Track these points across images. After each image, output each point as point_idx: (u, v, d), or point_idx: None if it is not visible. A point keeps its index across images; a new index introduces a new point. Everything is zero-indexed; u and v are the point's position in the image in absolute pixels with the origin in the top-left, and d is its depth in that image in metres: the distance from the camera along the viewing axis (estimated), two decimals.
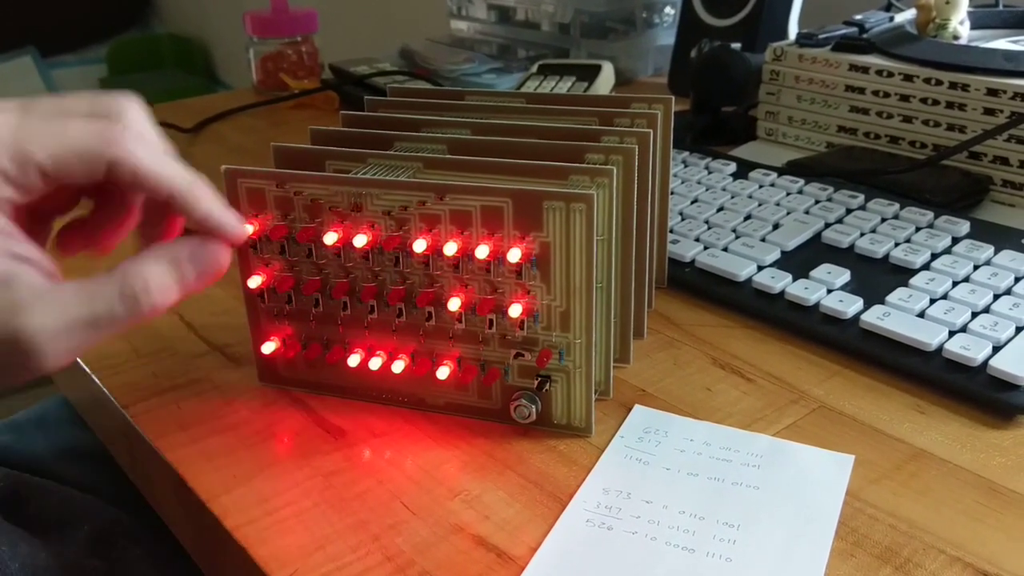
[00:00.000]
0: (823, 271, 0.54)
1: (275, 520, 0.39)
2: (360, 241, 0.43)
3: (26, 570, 0.47)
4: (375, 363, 0.46)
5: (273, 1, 1.08)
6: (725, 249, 0.58)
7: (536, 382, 0.44)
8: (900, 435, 0.44)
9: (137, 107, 0.39)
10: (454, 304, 0.43)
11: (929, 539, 0.38)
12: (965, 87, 0.65)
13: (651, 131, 0.47)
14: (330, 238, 0.43)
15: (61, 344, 0.35)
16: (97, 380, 0.51)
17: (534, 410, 0.44)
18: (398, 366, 0.45)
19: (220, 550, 0.41)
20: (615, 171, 0.43)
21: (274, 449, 0.44)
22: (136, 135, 0.37)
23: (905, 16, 0.77)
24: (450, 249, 0.42)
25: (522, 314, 0.42)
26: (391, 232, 0.43)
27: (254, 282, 0.46)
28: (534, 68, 0.93)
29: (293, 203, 0.44)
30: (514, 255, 0.41)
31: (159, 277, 0.38)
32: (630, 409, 0.46)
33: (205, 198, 0.39)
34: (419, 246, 0.42)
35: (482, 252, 0.42)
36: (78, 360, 0.53)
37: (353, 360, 0.46)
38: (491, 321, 0.43)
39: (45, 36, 2.69)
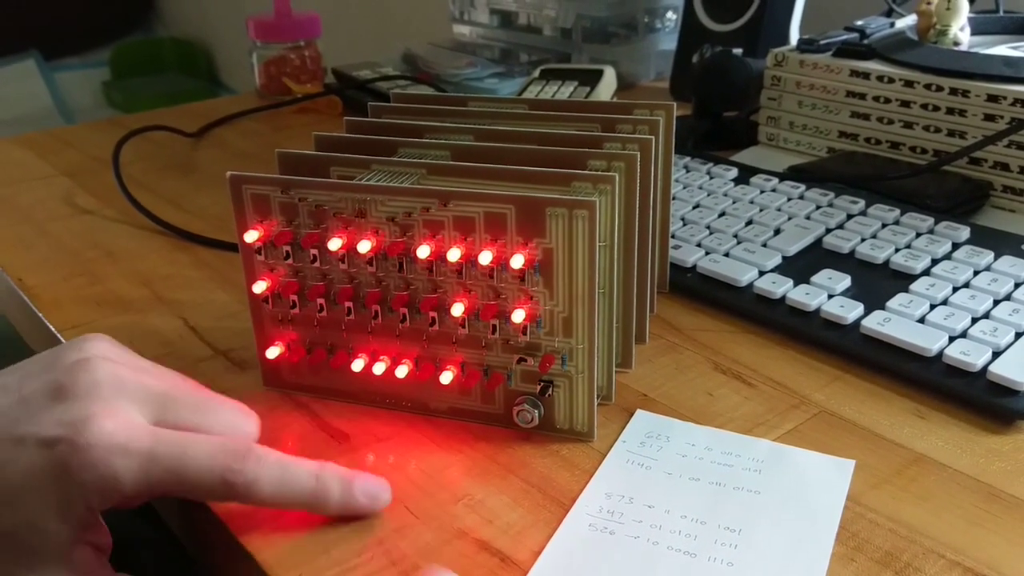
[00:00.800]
0: (824, 276, 0.54)
1: (280, 524, 0.40)
2: (364, 247, 0.43)
3: None
4: (379, 368, 0.46)
5: (276, 5, 1.08)
6: (726, 254, 0.58)
7: (539, 387, 0.44)
8: (900, 440, 0.44)
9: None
10: (457, 309, 0.43)
11: (929, 543, 0.38)
12: (965, 93, 0.66)
13: (653, 137, 0.47)
14: (335, 244, 0.44)
15: None
16: None
17: (537, 415, 0.45)
18: (402, 371, 0.46)
19: (226, 555, 0.41)
20: (617, 177, 0.43)
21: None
22: (257, 457, 0.38)
23: (906, 22, 0.78)
24: (453, 255, 0.42)
25: (525, 319, 0.43)
26: (395, 238, 0.43)
27: (259, 287, 0.46)
28: (536, 73, 0.93)
29: (298, 209, 0.44)
30: (517, 261, 0.42)
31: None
32: (632, 413, 0.47)
33: (332, 502, 0.40)
34: (423, 252, 0.43)
35: (485, 258, 0.42)
36: None
37: (357, 365, 0.46)
38: (494, 326, 0.44)
39: (48, 39, 2.69)
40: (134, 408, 0.38)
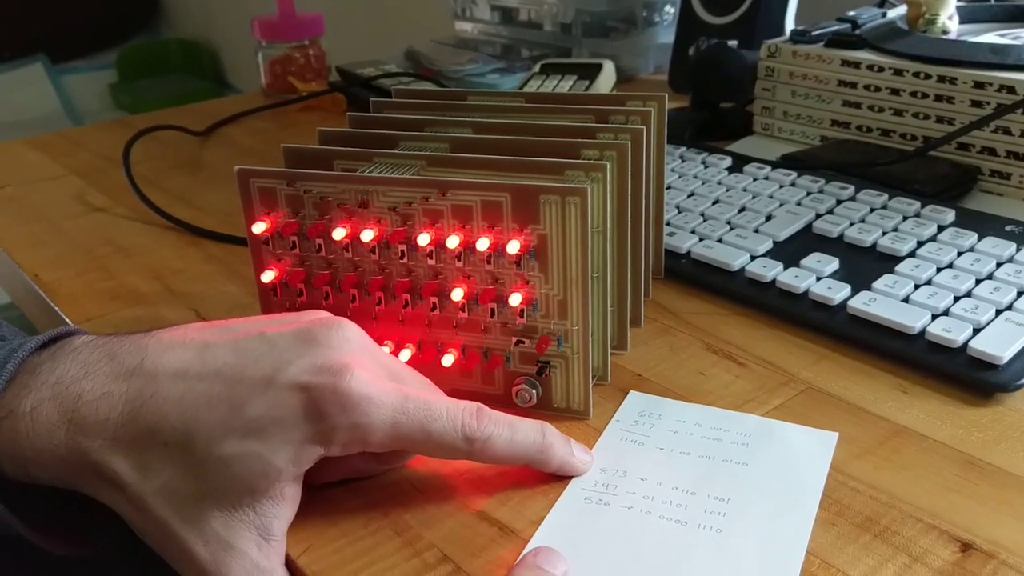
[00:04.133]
0: (813, 260, 0.56)
1: None
2: (367, 236, 0.45)
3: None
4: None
5: (280, 5, 1.10)
6: (720, 240, 0.60)
7: (536, 368, 0.46)
8: (883, 413, 0.46)
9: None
10: (457, 295, 0.45)
11: (907, 509, 0.40)
12: (953, 80, 0.67)
13: (644, 128, 0.49)
14: (339, 233, 0.46)
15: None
16: None
17: (535, 395, 0.47)
18: (405, 355, 0.48)
19: None
20: (609, 166, 0.45)
21: None
22: (492, 418, 0.40)
23: (897, 12, 0.79)
24: (452, 242, 0.44)
25: (522, 303, 0.45)
26: (396, 227, 0.45)
27: (267, 277, 0.48)
28: (537, 68, 0.95)
29: (303, 201, 0.46)
30: (513, 247, 0.44)
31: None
32: (627, 393, 0.49)
33: (556, 457, 0.42)
34: (423, 240, 0.45)
35: (483, 245, 0.44)
36: None
37: None
38: (492, 310, 0.46)
39: (55, 43, 2.71)
40: (377, 368, 0.40)
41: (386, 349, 0.47)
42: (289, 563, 0.39)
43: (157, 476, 0.37)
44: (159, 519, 0.37)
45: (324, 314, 0.41)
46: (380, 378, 0.39)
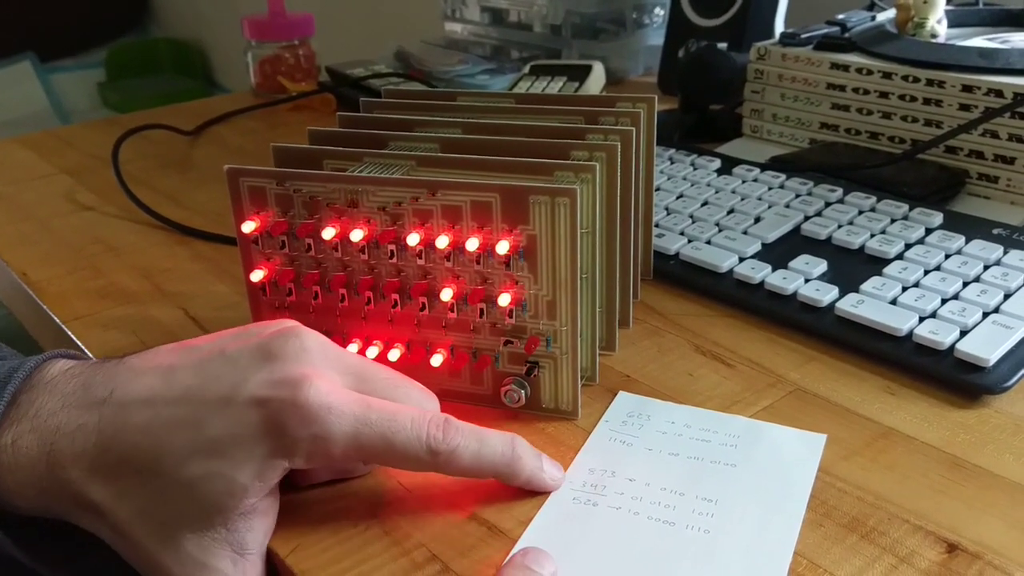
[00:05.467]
0: (801, 262, 0.56)
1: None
2: (357, 236, 0.45)
3: None
4: (372, 352, 0.48)
5: (270, 5, 1.10)
6: (708, 242, 0.60)
7: (525, 368, 0.46)
8: (871, 415, 0.46)
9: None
10: (446, 295, 0.45)
11: (894, 509, 0.40)
12: (941, 83, 0.68)
13: (634, 129, 0.49)
14: (328, 233, 0.46)
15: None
16: None
17: (523, 395, 0.47)
18: (394, 354, 0.48)
19: None
20: (598, 167, 0.45)
21: None
22: (457, 429, 0.40)
23: (886, 15, 0.79)
24: (442, 242, 0.44)
25: (511, 303, 0.45)
26: (386, 227, 0.45)
27: (256, 276, 0.48)
28: (526, 69, 0.95)
29: (293, 200, 0.46)
30: (502, 247, 0.44)
31: None
32: (615, 394, 0.49)
33: (524, 471, 0.41)
34: (413, 240, 0.45)
35: (472, 245, 0.44)
36: (87, 352, 0.55)
37: (351, 349, 0.48)
38: (482, 310, 0.46)
39: (43, 41, 2.70)
40: (338, 377, 0.40)
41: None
42: (277, 562, 0.39)
43: (133, 502, 0.38)
44: (138, 544, 0.38)
45: (286, 323, 0.41)
46: (341, 388, 0.39)
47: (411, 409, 0.40)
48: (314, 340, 0.40)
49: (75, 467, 0.38)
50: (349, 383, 0.40)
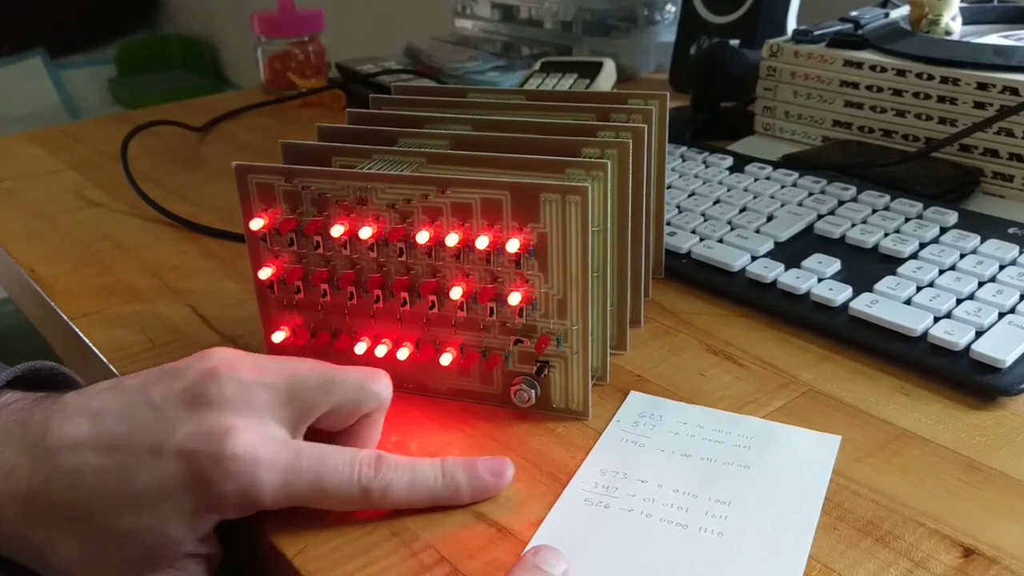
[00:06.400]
0: (814, 261, 0.56)
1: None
2: (366, 233, 0.45)
3: None
4: (381, 350, 0.47)
5: (280, 1, 1.10)
6: (720, 241, 0.60)
7: (535, 367, 0.46)
8: (885, 416, 0.46)
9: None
10: (456, 293, 0.45)
11: (909, 513, 0.39)
12: (956, 81, 0.67)
13: (646, 126, 0.49)
14: (337, 231, 0.45)
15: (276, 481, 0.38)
16: (114, 369, 0.53)
17: (533, 394, 0.46)
18: (403, 353, 0.47)
19: (233, 533, 0.42)
20: (610, 165, 0.45)
21: None
22: (388, 466, 0.40)
23: (900, 12, 0.79)
24: (452, 240, 0.44)
25: (521, 302, 0.44)
26: (395, 224, 0.45)
27: (264, 274, 0.48)
28: (537, 65, 0.95)
29: (301, 197, 0.46)
30: (513, 245, 0.43)
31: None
32: (626, 394, 0.48)
33: (462, 489, 0.41)
34: (422, 237, 0.44)
35: (482, 243, 0.43)
36: (94, 349, 0.55)
37: (360, 348, 0.48)
38: (491, 309, 0.45)
39: (54, 37, 2.71)
40: (268, 415, 0.39)
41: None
42: (284, 563, 0.39)
43: (69, 550, 0.38)
44: None
45: (210, 359, 0.40)
46: (268, 437, 0.39)
47: (341, 450, 0.40)
48: (234, 383, 0.39)
49: (11, 508, 0.38)
50: (280, 412, 0.40)
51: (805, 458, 0.43)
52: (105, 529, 0.37)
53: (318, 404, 0.41)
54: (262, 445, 0.38)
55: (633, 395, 0.48)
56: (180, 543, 0.38)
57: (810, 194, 0.64)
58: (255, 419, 0.39)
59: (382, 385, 0.43)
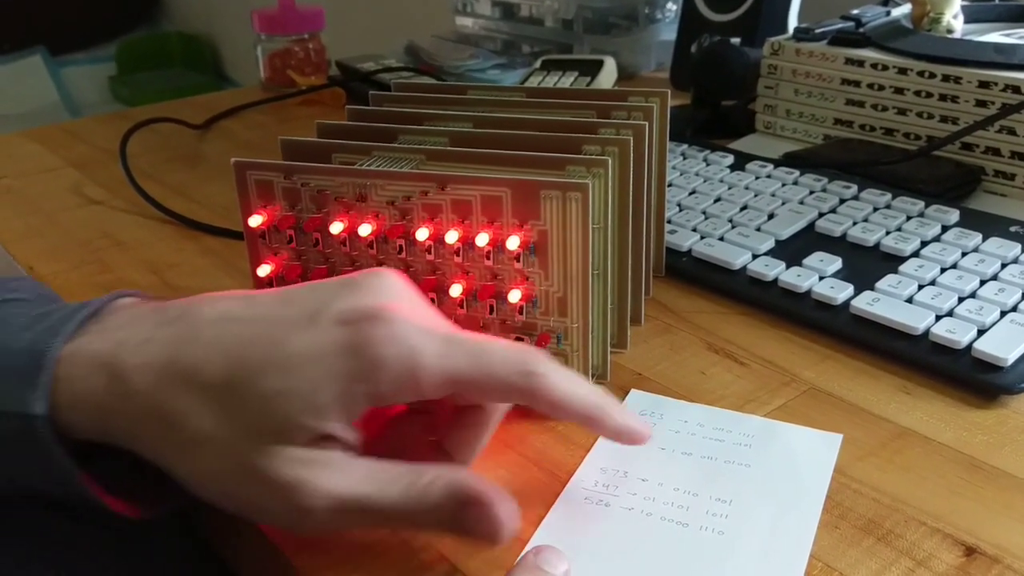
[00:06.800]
0: (815, 259, 0.56)
1: None
2: (365, 230, 0.45)
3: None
4: None
5: None
6: (721, 239, 0.60)
7: None
8: (886, 415, 0.46)
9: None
10: (456, 290, 0.45)
11: (911, 512, 0.39)
12: (957, 79, 0.67)
13: (647, 123, 0.49)
14: (336, 227, 0.45)
15: (329, 509, 0.35)
16: None
17: None
18: None
19: (235, 533, 0.42)
20: (611, 162, 0.45)
21: None
22: (553, 362, 0.38)
23: (902, 10, 0.79)
24: (451, 237, 0.44)
25: (521, 300, 0.44)
26: (395, 221, 0.45)
27: (263, 271, 0.48)
28: (537, 64, 0.94)
29: (300, 194, 0.46)
30: (513, 243, 0.43)
31: (439, 498, 0.36)
32: (627, 391, 0.48)
33: (615, 415, 0.39)
34: (422, 235, 0.44)
35: (482, 240, 0.43)
36: None
37: None
38: (491, 307, 0.45)
39: (54, 35, 2.71)
40: (424, 311, 0.38)
41: None
42: (283, 561, 0.39)
43: (203, 418, 0.35)
44: (205, 465, 0.36)
45: (372, 269, 0.39)
46: (427, 316, 0.38)
47: (503, 340, 0.38)
48: (401, 281, 0.38)
49: (138, 378, 0.36)
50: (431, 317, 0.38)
51: (806, 457, 0.43)
52: (247, 393, 0.35)
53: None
54: (424, 319, 0.37)
55: (634, 393, 0.48)
56: (325, 411, 0.35)
57: (811, 192, 0.64)
58: (413, 305, 0.38)
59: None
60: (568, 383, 0.38)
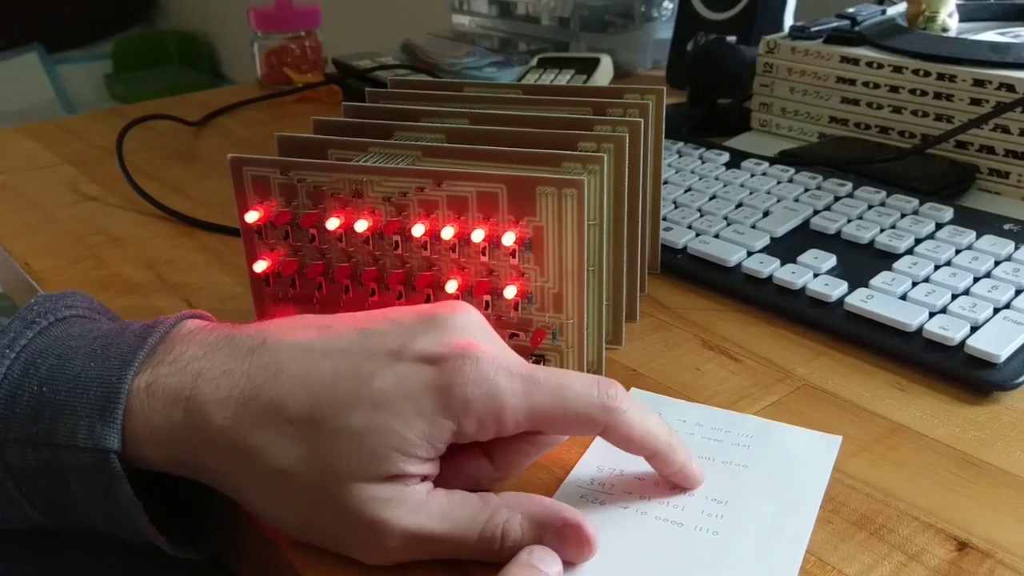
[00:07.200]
0: (810, 256, 0.56)
1: None
2: (361, 226, 0.45)
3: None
4: None
5: None
6: (716, 236, 0.60)
7: (531, 361, 0.46)
8: (880, 411, 0.46)
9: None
10: (452, 286, 0.45)
11: (903, 507, 0.39)
12: (952, 78, 0.67)
13: (642, 120, 0.49)
14: (332, 223, 0.45)
15: (405, 541, 0.36)
16: None
17: None
18: None
19: (232, 524, 0.42)
20: (606, 158, 0.45)
21: None
22: (630, 397, 0.39)
23: (897, 9, 0.79)
24: (447, 233, 0.44)
25: (517, 296, 0.44)
26: (391, 217, 0.45)
27: (259, 267, 0.48)
28: (534, 61, 0.94)
29: (297, 190, 0.46)
30: (509, 239, 0.43)
31: (519, 532, 0.37)
32: (625, 389, 0.48)
33: (681, 454, 0.40)
34: (418, 231, 0.44)
35: (478, 236, 0.43)
36: None
37: None
38: (487, 302, 0.45)
39: (51, 32, 2.70)
40: (503, 349, 0.39)
41: None
42: (281, 559, 0.39)
43: (286, 453, 0.36)
44: (285, 499, 0.36)
45: (448, 302, 0.40)
46: (506, 354, 0.38)
47: (577, 373, 0.39)
48: (479, 316, 0.39)
49: (218, 412, 0.36)
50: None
51: (804, 458, 0.43)
52: (333, 428, 0.35)
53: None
54: (504, 356, 0.37)
55: (633, 391, 0.48)
56: (412, 448, 0.35)
57: (806, 190, 0.64)
58: (493, 342, 0.39)
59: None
60: (643, 420, 0.39)
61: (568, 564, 0.37)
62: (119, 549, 0.44)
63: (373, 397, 0.36)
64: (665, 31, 1.07)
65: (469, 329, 0.38)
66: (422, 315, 0.38)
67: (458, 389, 0.36)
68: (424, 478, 0.37)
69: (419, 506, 0.36)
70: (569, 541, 0.37)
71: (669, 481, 0.41)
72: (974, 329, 0.48)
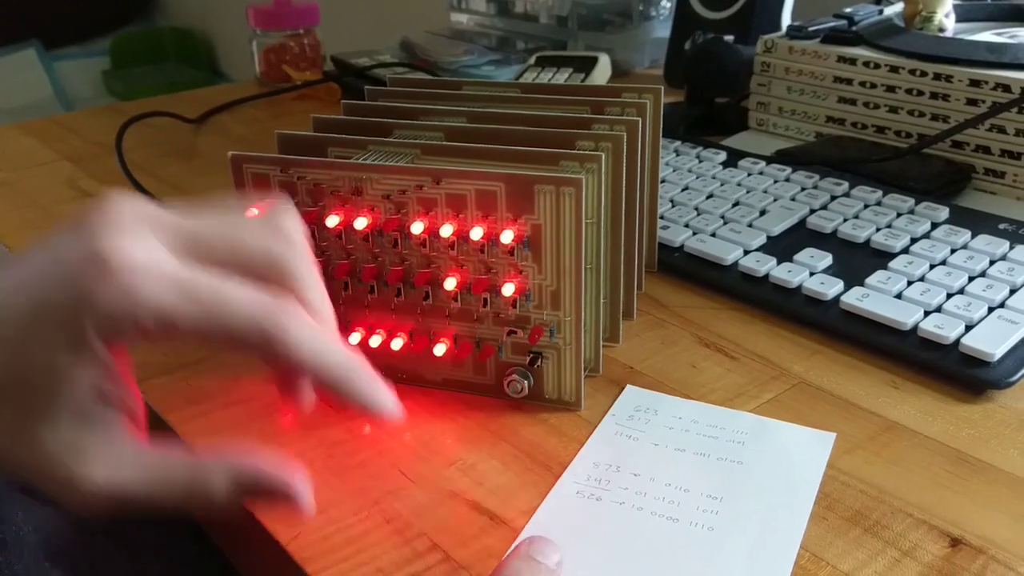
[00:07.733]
0: (806, 255, 0.56)
1: None
2: (360, 224, 0.45)
3: (41, 533, 0.49)
4: (375, 341, 0.48)
5: None
6: (713, 234, 0.60)
7: (528, 358, 0.46)
8: (875, 409, 0.46)
9: (308, 265, 0.37)
10: (450, 284, 0.45)
11: (897, 503, 0.40)
12: (949, 78, 0.67)
13: (640, 119, 0.49)
14: (332, 221, 0.46)
15: (103, 498, 0.34)
16: None
17: (526, 385, 0.46)
18: (397, 343, 0.47)
19: (228, 519, 0.43)
20: (604, 157, 0.45)
21: (279, 422, 0.46)
22: (300, 317, 0.35)
23: (894, 9, 0.79)
24: (446, 231, 0.44)
25: (515, 293, 0.45)
26: (390, 215, 0.45)
27: None
28: (532, 60, 0.95)
29: (296, 188, 0.46)
30: (507, 237, 0.43)
31: (225, 493, 0.36)
32: (619, 385, 0.49)
33: (362, 385, 0.37)
34: (416, 228, 0.44)
35: (476, 234, 0.44)
36: None
37: (354, 338, 0.48)
38: (485, 300, 0.45)
39: (48, 29, 2.70)
40: (163, 238, 0.34)
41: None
42: (278, 550, 0.39)
43: None
44: None
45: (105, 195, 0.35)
46: (159, 249, 0.34)
47: (248, 285, 0.34)
48: (129, 202, 0.34)
49: None
50: (179, 243, 0.34)
51: (799, 455, 0.43)
52: None
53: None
54: (153, 255, 0.33)
55: (629, 389, 0.49)
56: (70, 368, 0.33)
57: (803, 189, 0.64)
58: (147, 234, 0.34)
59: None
60: (312, 340, 0.35)
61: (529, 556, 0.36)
62: (120, 547, 0.44)
63: (16, 335, 0.33)
64: (663, 30, 1.07)
65: (115, 217, 0.33)
66: (66, 226, 0.34)
67: (95, 297, 0.32)
68: (115, 404, 0.35)
69: (113, 456, 0.35)
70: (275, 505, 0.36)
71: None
72: (969, 328, 0.49)
